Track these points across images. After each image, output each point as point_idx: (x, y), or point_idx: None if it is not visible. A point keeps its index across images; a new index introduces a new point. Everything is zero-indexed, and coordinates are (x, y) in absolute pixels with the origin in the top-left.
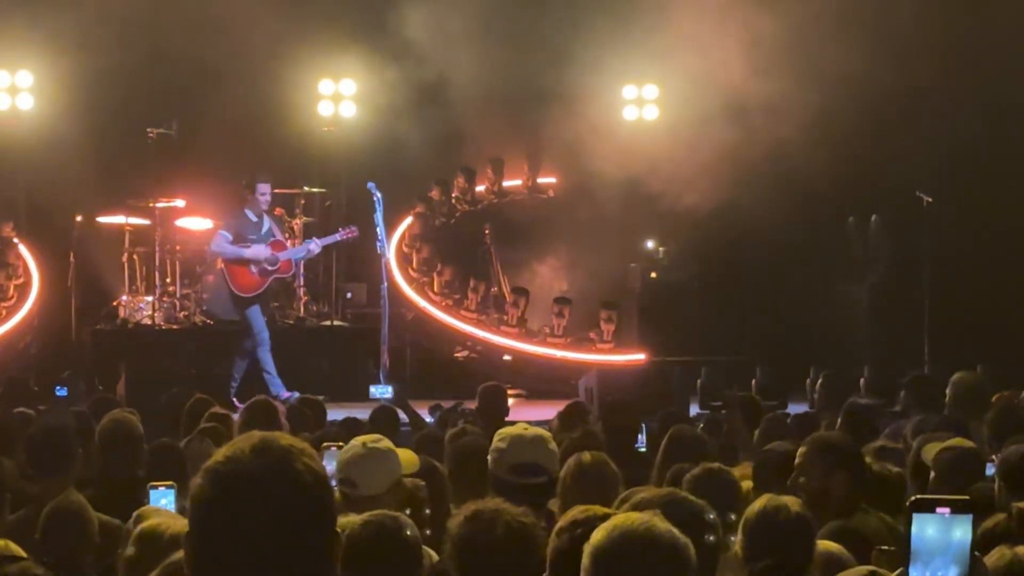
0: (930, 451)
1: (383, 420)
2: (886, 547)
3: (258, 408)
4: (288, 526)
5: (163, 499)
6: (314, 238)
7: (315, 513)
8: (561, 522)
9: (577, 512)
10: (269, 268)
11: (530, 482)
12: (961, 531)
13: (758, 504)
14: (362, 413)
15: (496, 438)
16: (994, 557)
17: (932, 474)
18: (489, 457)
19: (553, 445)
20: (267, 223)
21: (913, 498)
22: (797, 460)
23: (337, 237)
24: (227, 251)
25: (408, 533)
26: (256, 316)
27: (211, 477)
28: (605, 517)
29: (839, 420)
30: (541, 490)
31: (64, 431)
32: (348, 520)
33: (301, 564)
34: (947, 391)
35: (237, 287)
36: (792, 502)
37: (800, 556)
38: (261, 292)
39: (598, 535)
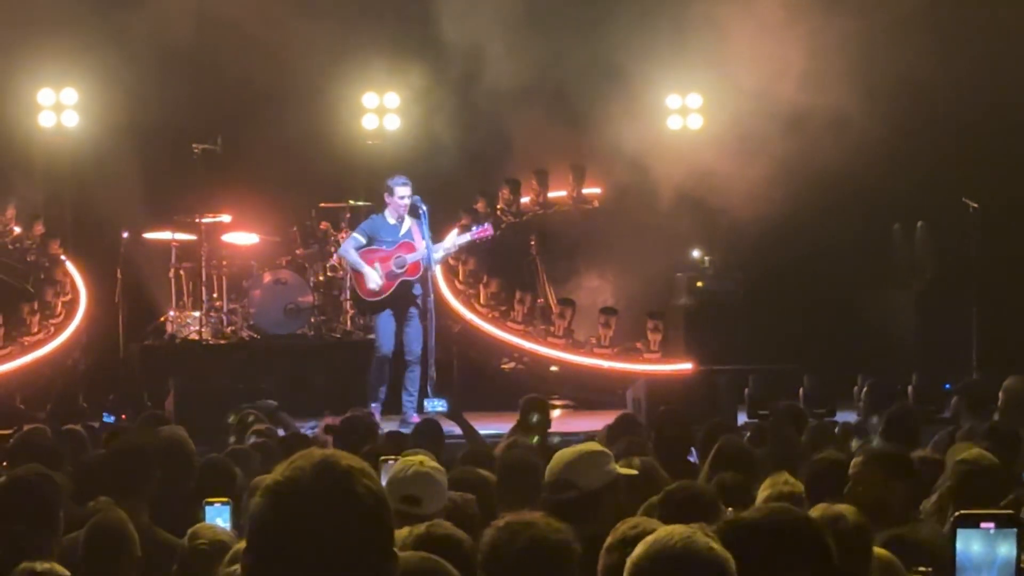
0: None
1: (429, 433)
2: (923, 568)
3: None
4: (347, 547)
5: (219, 516)
6: (454, 234)
7: (374, 535)
8: (611, 538)
9: (627, 528)
10: (397, 271)
11: (559, 498)
12: (1007, 546)
13: (814, 513)
14: (408, 428)
15: (553, 458)
16: None
17: (948, 482)
18: (546, 476)
19: (596, 459)
20: (407, 226)
21: (958, 513)
22: (853, 470)
23: (469, 237)
24: (349, 258)
25: (467, 548)
26: (381, 323)
27: (271, 495)
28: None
29: (880, 427)
30: (573, 506)
31: (143, 452)
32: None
33: None
34: (999, 397)
35: (363, 292)
36: (848, 511)
37: (858, 565)
38: (388, 296)
39: (638, 550)
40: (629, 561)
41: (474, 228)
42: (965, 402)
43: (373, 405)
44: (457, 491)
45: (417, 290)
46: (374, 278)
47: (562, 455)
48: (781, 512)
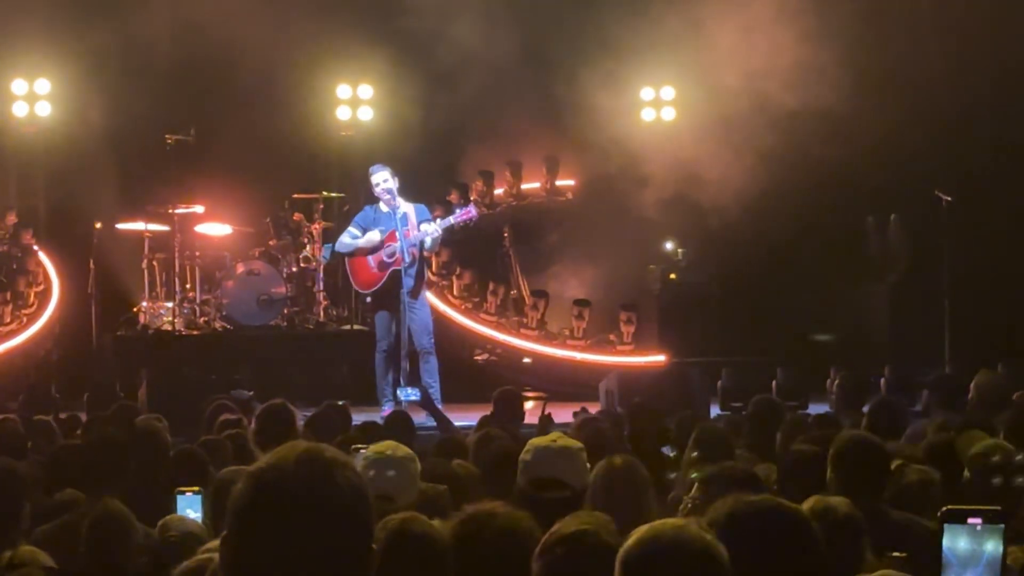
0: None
1: (399, 424)
2: (898, 553)
3: (273, 413)
4: (326, 538)
5: (190, 506)
6: (436, 220)
7: (354, 527)
8: (544, 541)
9: (562, 527)
10: (387, 260)
11: (551, 496)
12: (993, 542)
13: (806, 506)
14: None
15: (524, 449)
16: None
17: (967, 474)
18: (520, 466)
19: (583, 458)
20: (402, 214)
21: (945, 508)
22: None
23: (452, 220)
24: (343, 246)
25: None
26: (378, 317)
27: (254, 484)
28: (583, 533)
29: (864, 420)
30: (564, 504)
31: (118, 443)
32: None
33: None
34: (970, 391)
35: (357, 284)
36: (840, 503)
37: (850, 557)
38: (381, 287)
39: (630, 540)
40: (621, 553)
41: (457, 211)
42: (937, 395)
43: (386, 406)
44: (429, 482)
45: (409, 280)
46: (371, 265)
47: (546, 451)
48: (770, 504)
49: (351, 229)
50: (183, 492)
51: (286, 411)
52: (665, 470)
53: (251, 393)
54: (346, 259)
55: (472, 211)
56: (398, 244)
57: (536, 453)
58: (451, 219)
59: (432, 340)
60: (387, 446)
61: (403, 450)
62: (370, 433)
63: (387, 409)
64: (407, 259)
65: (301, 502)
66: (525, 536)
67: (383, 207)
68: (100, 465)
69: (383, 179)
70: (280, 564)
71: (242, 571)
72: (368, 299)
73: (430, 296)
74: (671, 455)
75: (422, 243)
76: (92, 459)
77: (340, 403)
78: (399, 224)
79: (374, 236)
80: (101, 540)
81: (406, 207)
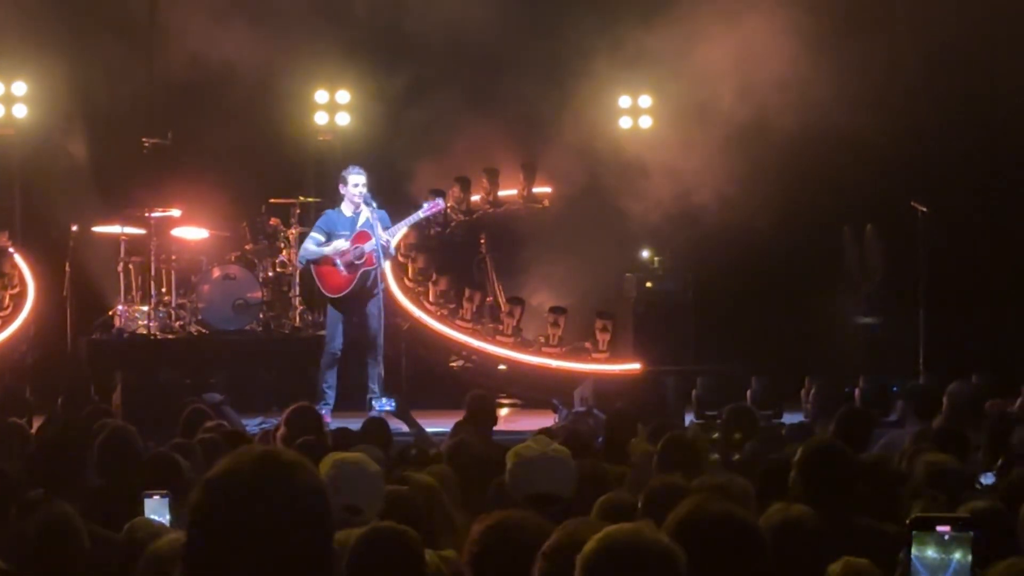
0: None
1: (375, 431)
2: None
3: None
4: (286, 540)
5: (157, 510)
6: (401, 223)
7: (313, 529)
8: (548, 544)
9: (563, 533)
10: (356, 263)
11: (548, 511)
12: (961, 551)
13: (775, 515)
14: (357, 424)
15: (511, 459)
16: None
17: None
18: (507, 478)
19: (570, 466)
20: (364, 217)
21: (913, 516)
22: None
23: (420, 214)
24: (309, 253)
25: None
26: (334, 318)
27: (209, 489)
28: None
29: (831, 428)
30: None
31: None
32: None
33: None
34: (943, 401)
35: (327, 288)
36: (805, 512)
37: (815, 567)
38: (350, 291)
39: (589, 545)
40: (580, 558)
41: (425, 204)
42: (912, 405)
43: (324, 409)
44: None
45: (374, 283)
46: (343, 257)
47: (534, 465)
48: (721, 512)
49: (314, 235)
50: (150, 495)
51: (314, 414)
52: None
53: (222, 397)
54: (312, 265)
55: (440, 203)
56: (368, 244)
57: (527, 467)
58: (420, 212)
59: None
60: (356, 457)
61: (370, 462)
62: (345, 439)
63: (324, 414)
64: (379, 260)
65: (258, 505)
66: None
67: (346, 210)
68: (54, 466)
69: (362, 181)
70: (241, 567)
71: (201, 569)
72: (331, 301)
73: (404, 302)
74: None
75: (388, 247)
76: (46, 460)
77: (318, 408)
78: (372, 225)
79: (340, 244)
80: (46, 545)
81: (369, 212)
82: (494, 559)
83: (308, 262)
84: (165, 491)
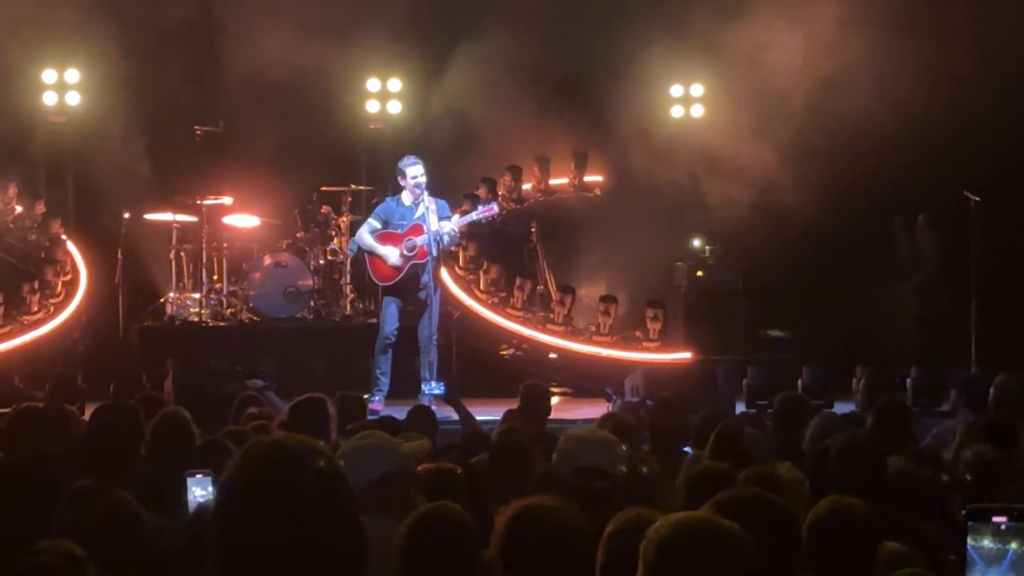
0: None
1: (420, 418)
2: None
3: (307, 407)
4: (308, 525)
5: (199, 487)
6: (456, 216)
7: (332, 508)
8: (612, 526)
9: (630, 516)
10: (407, 254)
11: (593, 486)
12: (1018, 540)
13: (823, 506)
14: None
15: (563, 438)
16: None
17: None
18: (555, 456)
19: (619, 447)
20: (423, 209)
21: (969, 507)
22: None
23: (473, 216)
24: (362, 240)
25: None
26: (387, 306)
27: (227, 489)
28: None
29: (870, 420)
30: (604, 495)
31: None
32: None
33: (327, 560)
34: (991, 392)
35: (376, 276)
36: (857, 503)
37: (866, 555)
38: (399, 281)
39: (662, 528)
40: (653, 539)
41: (479, 207)
42: (963, 396)
43: (376, 397)
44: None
45: (425, 275)
46: (393, 258)
47: (587, 441)
48: (706, 522)
49: (371, 221)
50: (193, 474)
51: (322, 404)
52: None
53: (265, 383)
54: (365, 252)
55: (494, 208)
56: (421, 237)
57: (579, 442)
58: (472, 215)
59: (436, 335)
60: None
61: (375, 437)
62: (391, 427)
63: (376, 401)
64: (434, 252)
65: (273, 495)
66: (579, 531)
67: (405, 200)
68: (103, 453)
69: (420, 172)
70: (267, 556)
71: (233, 569)
72: (382, 288)
73: (456, 290)
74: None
75: (441, 239)
76: (96, 447)
77: (365, 396)
78: (427, 218)
79: (391, 254)
80: (109, 533)
81: (429, 202)
82: (522, 547)
83: (359, 248)
84: (208, 470)
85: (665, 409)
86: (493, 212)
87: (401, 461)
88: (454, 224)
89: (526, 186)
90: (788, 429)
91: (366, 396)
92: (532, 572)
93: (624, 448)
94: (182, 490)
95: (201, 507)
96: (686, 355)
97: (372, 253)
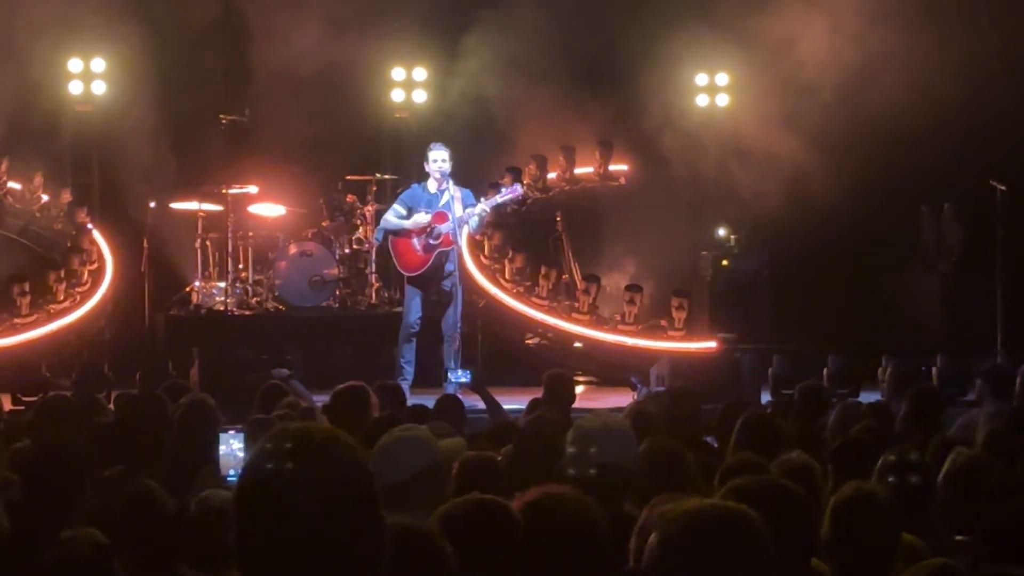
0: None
1: (448, 408)
2: (963, 537)
3: (348, 394)
4: (327, 516)
5: (232, 441)
6: (482, 200)
7: (355, 501)
8: (641, 521)
9: (655, 511)
10: (432, 242)
11: (607, 480)
12: None
13: (846, 491)
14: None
15: (572, 431)
16: None
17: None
18: (568, 448)
19: (630, 437)
20: (448, 196)
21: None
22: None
23: (499, 199)
24: (389, 224)
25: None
26: (412, 296)
27: (247, 481)
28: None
29: (903, 409)
30: (618, 488)
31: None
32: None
33: (347, 553)
34: (1017, 381)
35: (401, 265)
36: (879, 490)
37: (888, 543)
38: (425, 270)
39: (676, 517)
40: (670, 527)
41: (503, 190)
42: (989, 385)
43: (403, 385)
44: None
45: (450, 264)
46: (423, 221)
47: (598, 435)
48: (719, 508)
49: (396, 207)
50: (226, 430)
51: (364, 392)
52: (709, 456)
53: (290, 372)
54: (390, 240)
55: (518, 189)
56: (445, 225)
57: (593, 435)
58: (498, 198)
59: (460, 323)
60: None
61: (413, 431)
62: (420, 416)
63: (405, 388)
64: (460, 241)
65: (295, 485)
66: (594, 521)
67: (431, 187)
68: (131, 441)
69: (443, 157)
70: (288, 547)
71: (253, 559)
72: (407, 278)
73: (481, 279)
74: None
75: (468, 221)
76: (123, 436)
77: (398, 383)
78: (451, 206)
79: (421, 218)
80: (135, 519)
81: (454, 190)
82: (536, 535)
83: (386, 234)
84: (240, 425)
85: (680, 398)
86: (518, 193)
87: (439, 457)
88: (484, 206)
89: (551, 175)
90: (809, 418)
91: None
92: (547, 560)
93: (632, 436)
94: (214, 445)
95: (202, 500)
96: (711, 344)
97: (399, 234)
